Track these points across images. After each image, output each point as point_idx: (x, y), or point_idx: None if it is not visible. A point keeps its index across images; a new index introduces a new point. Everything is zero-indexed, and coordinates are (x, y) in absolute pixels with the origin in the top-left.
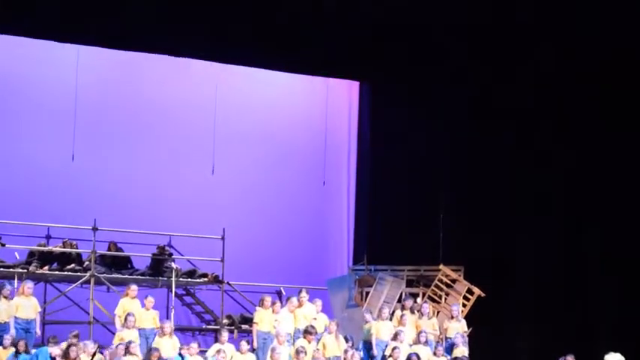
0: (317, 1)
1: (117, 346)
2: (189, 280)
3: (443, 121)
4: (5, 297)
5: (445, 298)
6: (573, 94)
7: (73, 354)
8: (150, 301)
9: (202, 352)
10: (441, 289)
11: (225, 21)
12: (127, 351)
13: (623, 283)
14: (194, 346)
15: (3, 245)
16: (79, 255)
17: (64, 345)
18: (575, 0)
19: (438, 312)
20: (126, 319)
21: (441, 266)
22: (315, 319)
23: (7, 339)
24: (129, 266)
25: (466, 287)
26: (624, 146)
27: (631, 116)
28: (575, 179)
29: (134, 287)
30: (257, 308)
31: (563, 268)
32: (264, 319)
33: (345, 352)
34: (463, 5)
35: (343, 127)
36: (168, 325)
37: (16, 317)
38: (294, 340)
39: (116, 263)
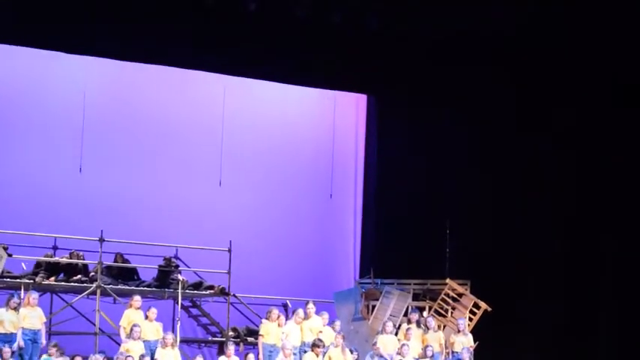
0: (324, 14)
1: (126, 357)
2: (195, 292)
3: (450, 135)
4: (13, 308)
5: (451, 312)
6: (580, 113)
7: None
8: (153, 312)
9: None
10: (448, 303)
11: (233, 34)
12: None
13: (634, 302)
14: (199, 359)
15: (10, 256)
16: (85, 266)
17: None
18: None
19: (444, 326)
20: (131, 330)
21: (448, 280)
22: (321, 332)
23: (7, 352)
24: (135, 278)
25: (472, 301)
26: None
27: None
28: (587, 196)
29: (137, 298)
30: (263, 321)
31: (570, 284)
32: (271, 331)
33: None
34: (471, 21)
35: (350, 140)
36: (170, 337)
37: (22, 328)
38: (300, 353)
39: (122, 274)
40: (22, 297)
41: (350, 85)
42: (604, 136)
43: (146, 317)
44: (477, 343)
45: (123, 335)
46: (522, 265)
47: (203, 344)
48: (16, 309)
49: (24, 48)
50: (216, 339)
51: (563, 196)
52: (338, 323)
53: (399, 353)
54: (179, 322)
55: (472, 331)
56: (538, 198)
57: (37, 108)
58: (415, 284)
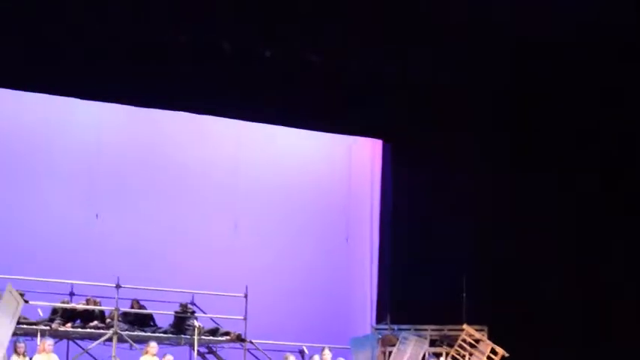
0: (339, 61)
1: None
2: (211, 338)
3: (465, 181)
4: (20, 354)
5: (469, 358)
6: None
7: None
8: (169, 358)
9: None
10: (465, 349)
11: (248, 80)
12: None
13: None
14: None
15: (26, 302)
16: (101, 312)
17: None
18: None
19: None
20: None
21: (465, 326)
22: None
23: None
24: (151, 324)
25: (490, 347)
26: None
27: None
28: (599, 239)
29: (153, 344)
30: None
31: (587, 329)
32: None
33: None
34: (485, 67)
35: (366, 185)
36: None
37: None
38: None
39: (139, 321)
40: (38, 343)
41: (365, 130)
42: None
43: None
44: None
45: None
46: (539, 311)
47: None
48: (24, 354)
49: (39, 94)
50: None
51: (577, 240)
52: None
53: None
54: None
55: None
56: (553, 243)
57: (53, 154)
58: (432, 330)
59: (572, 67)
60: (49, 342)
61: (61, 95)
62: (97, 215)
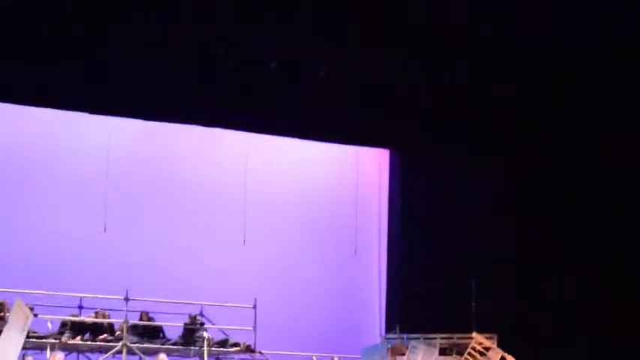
0: (345, 72)
1: None
2: (221, 349)
3: (474, 189)
4: None
5: None
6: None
7: None
8: None
9: None
10: (475, 357)
11: (254, 92)
12: None
13: None
14: None
15: (35, 316)
16: (111, 325)
17: None
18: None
19: None
20: None
21: (474, 334)
22: None
23: None
24: (161, 336)
25: (500, 355)
26: None
27: None
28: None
29: (163, 356)
30: None
31: (599, 337)
32: None
33: None
34: (495, 74)
35: (374, 195)
36: None
37: None
38: None
39: (148, 333)
40: (48, 356)
41: (372, 140)
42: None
43: None
44: None
45: None
46: (549, 318)
47: None
48: None
49: (47, 109)
50: None
51: (592, 245)
52: None
53: None
54: None
55: None
56: (564, 249)
57: (60, 168)
58: (442, 338)
59: (575, 68)
60: (60, 356)
61: (70, 110)
62: (105, 228)
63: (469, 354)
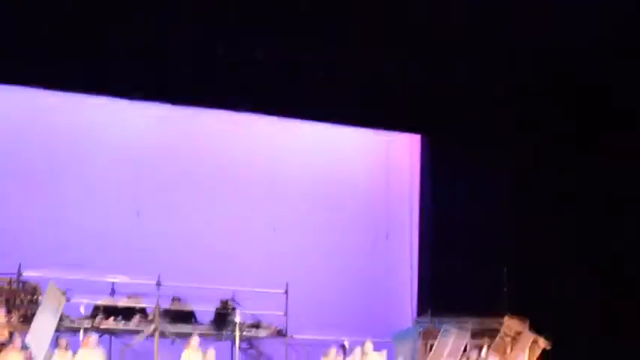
0: (377, 56)
1: None
2: (252, 333)
3: (505, 172)
4: (62, 348)
5: (510, 350)
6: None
7: None
8: (210, 353)
9: None
10: (507, 341)
11: (285, 77)
12: None
13: None
14: None
15: (68, 300)
16: (143, 309)
17: None
18: None
19: None
20: None
21: (506, 318)
22: None
23: None
24: (192, 320)
25: (532, 338)
26: None
27: None
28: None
29: (196, 339)
30: None
31: (631, 320)
32: None
33: None
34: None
35: (405, 179)
36: None
37: None
38: None
39: (180, 318)
40: (81, 339)
41: (403, 125)
42: None
43: (204, 358)
44: None
45: None
46: (581, 302)
47: None
48: (67, 348)
49: (81, 95)
50: None
51: (622, 230)
52: None
53: None
54: None
55: None
56: (595, 233)
57: (94, 153)
58: (473, 322)
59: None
60: (94, 337)
61: (101, 95)
62: (137, 213)
63: (501, 338)
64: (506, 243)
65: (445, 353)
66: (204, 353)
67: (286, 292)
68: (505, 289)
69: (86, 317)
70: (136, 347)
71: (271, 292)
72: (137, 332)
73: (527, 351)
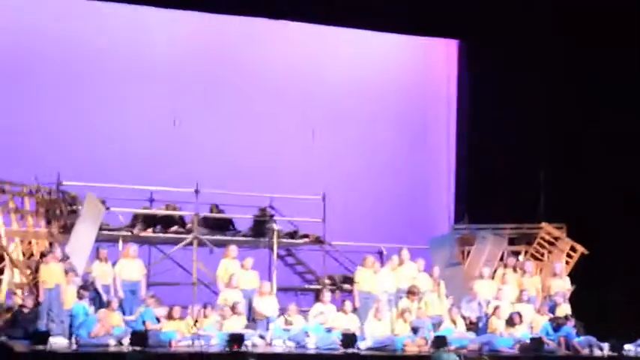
0: None
1: (223, 307)
2: (290, 240)
3: (542, 77)
4: (102, 259)
5: (548, 256)
6: None
7: (176, 314)
8: (248, 261)
9: (303, 312)
10: (544, 247)
11: None
12: (234, 311)
13: None
14: (292, 307)
15: (107, 209)
16: (181, 217)
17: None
18: None
19: (540, 270)
20: (229, 279)
21: (544, 224)
22: (415, 278)
23: (115, 301)
24: (231, 228)
25: (569, 245)
26: None
27: None
28: None
29: (233, 247)
30: (358, 268)
31: None
32: (366, 278)
33: (449, 310)
34: None
35: (442, 85)
36: (267, 285)
37: (122, 280)
38: (395, 300)
39: (218, 225)
40: (120, 249)
41: (441, 30)
42: None
43: (242, 267)
44: (573, 286)
45: (220, 285)
46: (619, 207)
47: (299, 292)
48: (106, 259)
49: (117, 4)
50: (313, 287)
51: None
52: (437, 269)
53: (495, 298)
54: (275, 271)
55: (569, 275)
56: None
57: (131, 63)
58: (510, 229)
59: None
60: (134, 247)
61: (139, 4)
62: (174, 122)
63: (538, 244)
64: (544, 149)
65: (482, 260)
66: (242, 262)
67: (323, 198)
68: (542, 195)
69: (125, 226)
70: (174, 256)
71: (309, 199)
72: (176, 241)
73: (564, 256)
